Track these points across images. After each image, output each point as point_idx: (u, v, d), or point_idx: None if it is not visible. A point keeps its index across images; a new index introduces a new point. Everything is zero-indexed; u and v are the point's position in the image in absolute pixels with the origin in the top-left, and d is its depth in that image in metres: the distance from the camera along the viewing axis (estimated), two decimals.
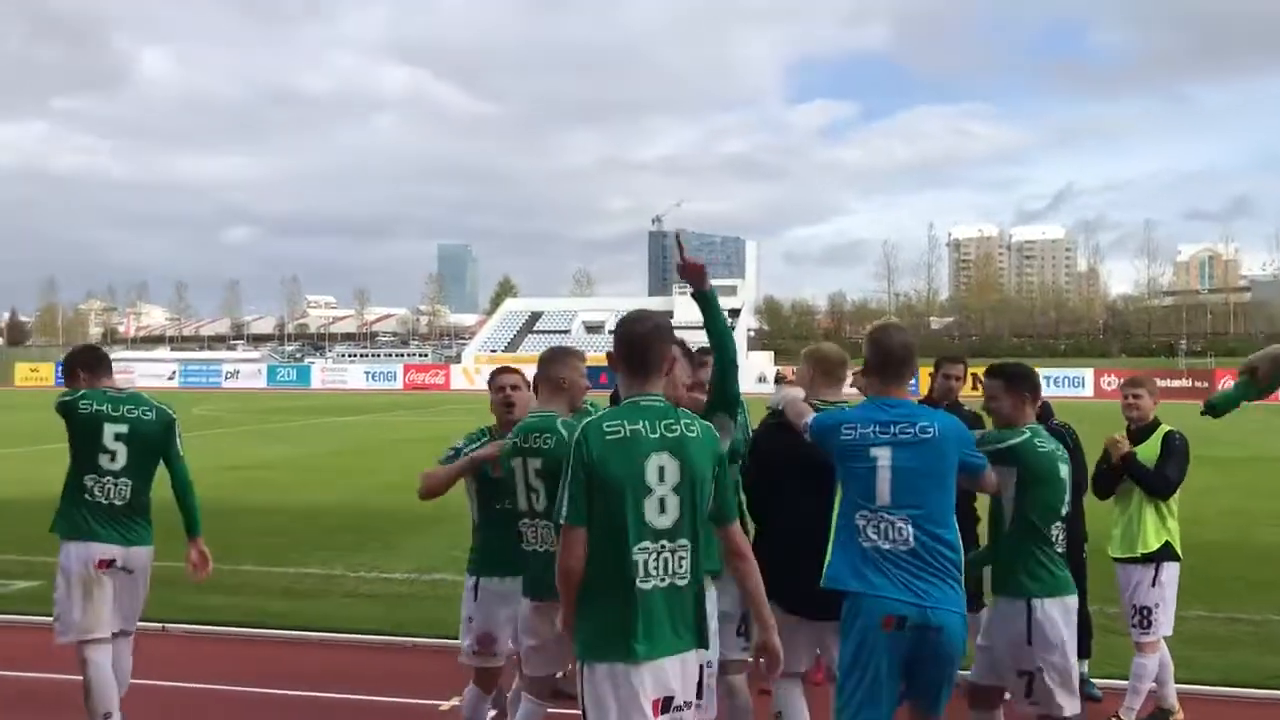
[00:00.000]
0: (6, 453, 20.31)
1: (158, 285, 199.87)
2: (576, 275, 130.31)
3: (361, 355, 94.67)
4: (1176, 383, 47.02)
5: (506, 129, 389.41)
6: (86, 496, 5.05)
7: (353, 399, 48.15)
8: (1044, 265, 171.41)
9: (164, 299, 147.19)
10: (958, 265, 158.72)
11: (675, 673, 3.23)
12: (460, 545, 5.04)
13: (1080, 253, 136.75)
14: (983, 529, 6.08)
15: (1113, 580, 5.76)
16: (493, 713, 5.34)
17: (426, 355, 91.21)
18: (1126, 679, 5.62)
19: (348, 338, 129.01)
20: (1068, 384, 50.11)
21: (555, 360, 4.47)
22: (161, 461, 5.29)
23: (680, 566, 3.26)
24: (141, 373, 63.15)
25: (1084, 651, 5.63)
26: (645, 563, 3.20)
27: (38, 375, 63.25)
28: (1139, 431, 5.76)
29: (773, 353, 72.89)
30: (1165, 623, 5.57)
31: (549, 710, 4.43)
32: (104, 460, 5.06)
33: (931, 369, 6.37)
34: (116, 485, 5.08)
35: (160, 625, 7.37)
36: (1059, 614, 4.38)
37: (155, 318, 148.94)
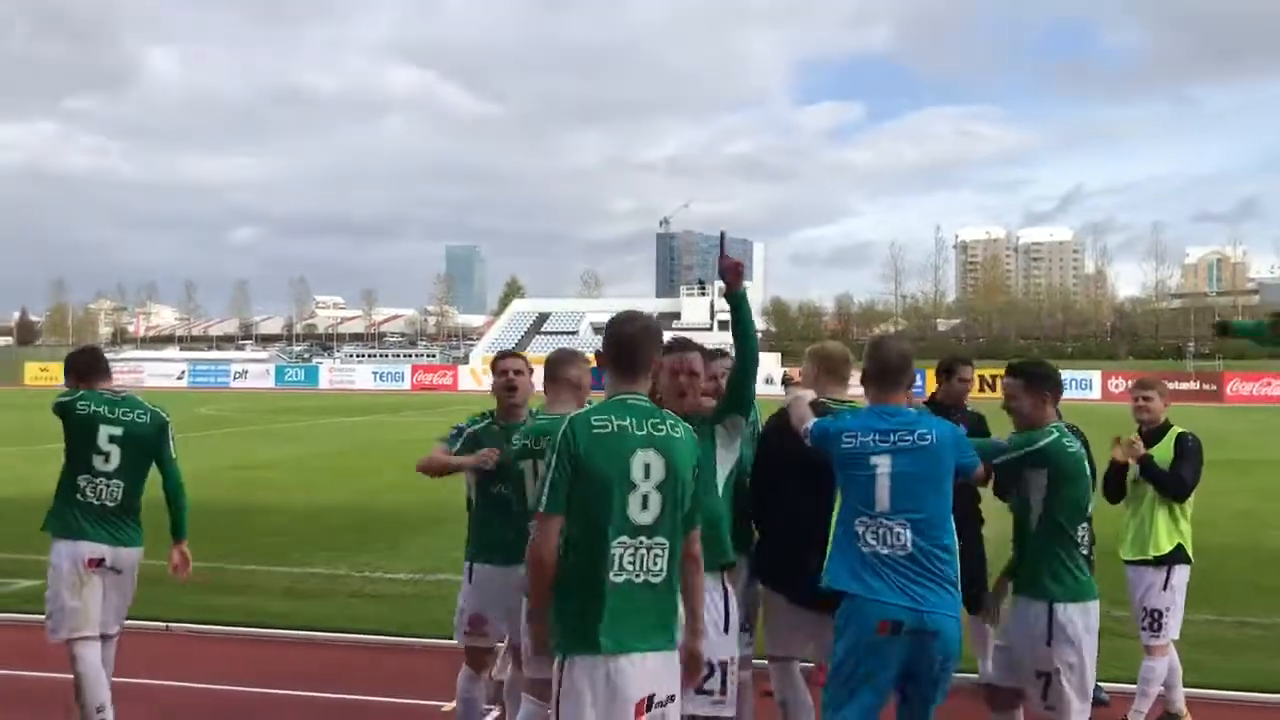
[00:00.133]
0: (11, 451, 20.34)
1: (166, 285, 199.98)
2: (584, 276, 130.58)
3: (369, 356, 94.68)
4: (1184, 385, 46.83)
5: (512, 129, 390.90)
6: (79, 496, 5.08)
7: (360, 399, 48.19)
8: (1051, 267, 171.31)
9: (173, 299, 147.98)
10: (965, 267, 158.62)
11: (655, 671, 3.25)
12: (464, 547, 5.04)
13: (1088, 255, 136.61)
14: (986, 530, 6.08)
15: (1120, 583, 5.72)
16: (494, 712, 5.33)
17: (434, 356, 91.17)
18: (1134, 683, 5.58)
19: (355, 338, 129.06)
20: (1075, 386, 49.87)
21: (566, 361, 4.53)
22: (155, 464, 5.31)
23: (656, 564, 3.29)
24: (150, 372, 63.36)
25: None
26: (621, 557, 3.24)
27: (47, 375, 63.28)
28: (1150, 434, 5.72)
29: (779, 354, 72.70)
30: (1174, 626, 5.53)
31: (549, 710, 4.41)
32: (98, 461, 5.10)
33: (939, 370, 6.25)
34: (109, 486, 5.11)
35: (164, 625, 7.37)
36: (1080, 617, 4.36)
37: (164, 318, 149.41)
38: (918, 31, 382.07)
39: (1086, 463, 4.52)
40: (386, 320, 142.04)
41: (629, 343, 3.43)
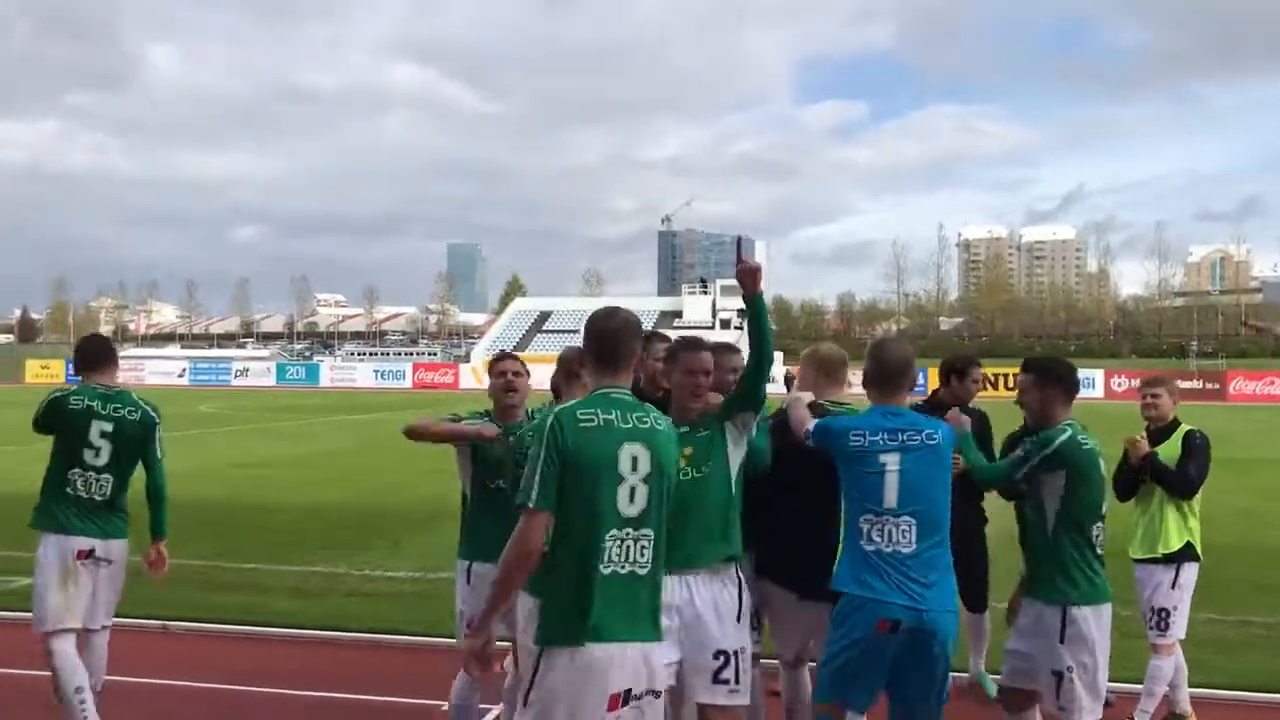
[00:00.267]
0: (11, 449, 20.34)
1: (168, 283, 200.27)
2: (586, 275, 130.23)
3: (370, 354, 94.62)
4: (1187, 384, 46.73)
5: (514, 127, 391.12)
6: (69, 490, 5.10)
7: (361, 397, 48.21)
8: (1054, 266, 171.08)
9: (174, 297, 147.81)
10: (967, 266, 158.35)
11: (634, 663, 3.24)
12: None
13: (1090, 253, 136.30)
14: (989, 529, 6.06)
15: (1126, 581, 5.69)
16: (494, 711, 5.31)
17: (435, 354, 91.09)
18: (1139, 682, 5.56)
19: (357, 336, 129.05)
20: None
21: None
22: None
23: (642, 555, 3.31)
24: (151, 370, 63.41)
25: None
26: (609, 550, 3.25)
27: (48, 372, 63.40)
28: (1158, 432, 5.68)
29: (781, 353, 72.76)
30: (1181, 625, 5.51)
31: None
32: (89, 456, 5.12)
33: (950, 369, 6.16)
34: (99, 481, 5.13)
35: (161, 624, 7.35)
36: (1094, 619, 4.37)
37: (166, 315, 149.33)
38: (920, 29, 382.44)
39: (1101, 459, 4.50)
40: (388, 318, 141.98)
41: (610, 337, 3.46)
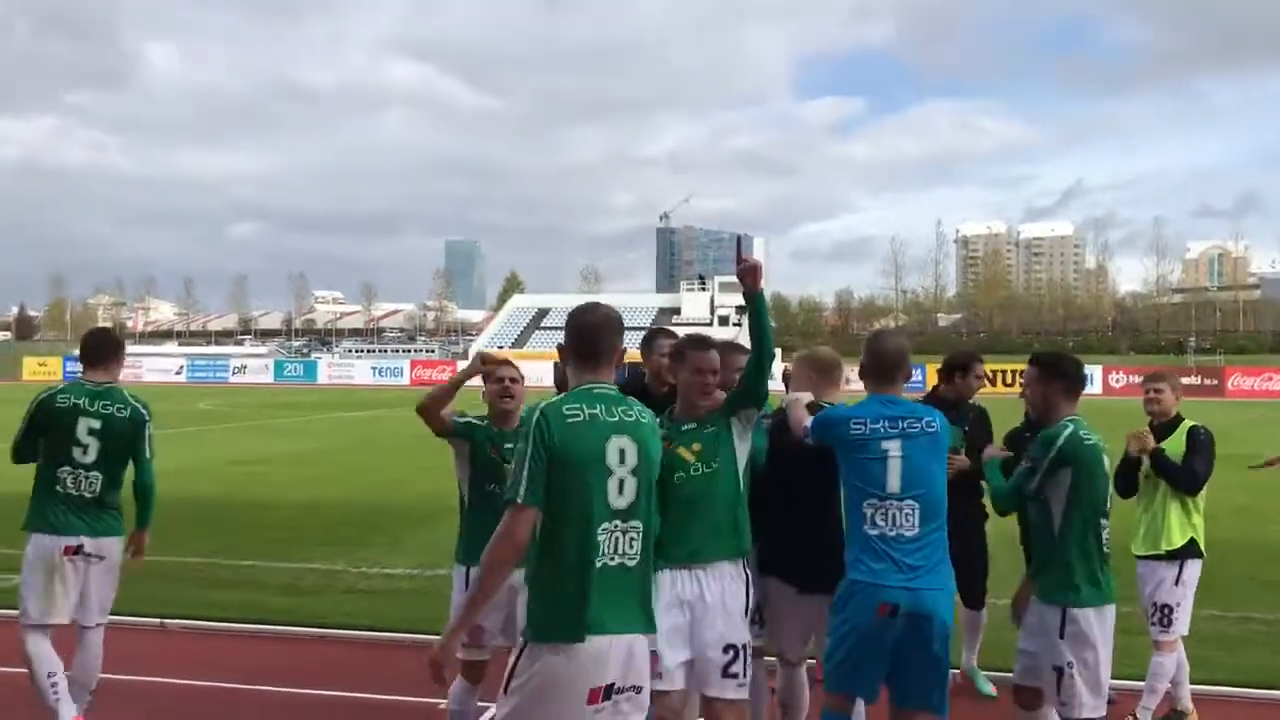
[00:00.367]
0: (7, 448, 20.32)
1: (165, 280, 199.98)
2: (584, 271, 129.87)
3: (368, 351, 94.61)
4: (1185, 380, 46.74)
5: (513, 124, 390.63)
6: (58, 488, 5.10)
7: (359, 394, 48.19)
8: (1052, 262, 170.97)
9: (172, 294, 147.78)
10: (966, 262, 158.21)
11: (619, 657, 3.23)
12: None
13: (1089, 250, 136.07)
14: (989, 528, 6.03)
15: (1128, 579, 5.67)
16: (493, 711, 5.29)
17: (433, 351, 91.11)
18: (1141, 679, 5.55)
19: (355, 333, 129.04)
20: None
21: None
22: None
23: (631, 547, 3.31)
24: (149, 367, 63.40)
25: None
26: (602, 542, 3.25)
27: (46, 369, 63.37)
28: (1161, 427, 5.66)
29: (779, 349, 72.87)
30: (1184, 622, 5.50)
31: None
32: (77, 453, 5.11)
33: (953, 366, 6.12)
34: (88, 478, 5.13)
35: (159, 621, 7.33)
36: (1097, 619, 4.39)
37: (163, 313, 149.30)
38: (919, 26, 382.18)
39: (1105, 454, 4.49)
40: (386, 315, 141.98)
41: (591, 332, 3.45)
